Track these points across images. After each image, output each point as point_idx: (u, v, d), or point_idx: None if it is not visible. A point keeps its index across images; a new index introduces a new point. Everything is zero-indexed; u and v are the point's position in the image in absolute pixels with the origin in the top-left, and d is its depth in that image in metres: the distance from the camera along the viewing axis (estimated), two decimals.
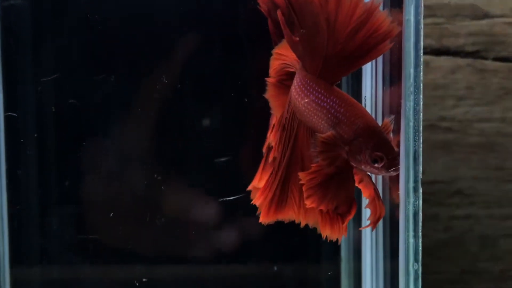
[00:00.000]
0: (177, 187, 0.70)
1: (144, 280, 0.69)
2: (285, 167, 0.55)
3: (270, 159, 0.56)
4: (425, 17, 0.79)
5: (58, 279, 0.71)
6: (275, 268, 0.72)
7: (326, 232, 0.54)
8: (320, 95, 0.52)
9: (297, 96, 0.53)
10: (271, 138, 0.56)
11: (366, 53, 0.50)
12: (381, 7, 0.49)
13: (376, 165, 0.51)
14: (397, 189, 0.52)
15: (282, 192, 0.55)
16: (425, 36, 0.80)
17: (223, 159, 0.68)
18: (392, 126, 0.53)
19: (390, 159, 0.51)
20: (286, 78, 0.56)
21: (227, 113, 0.69)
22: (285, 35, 0.53)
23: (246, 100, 0.67)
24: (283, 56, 0.55)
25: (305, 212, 0.55)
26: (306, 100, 0.53)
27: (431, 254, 0.81)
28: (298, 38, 0.52)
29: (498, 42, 0.81)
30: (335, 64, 0.51)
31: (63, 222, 0.69)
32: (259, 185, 0.57)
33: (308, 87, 0.52)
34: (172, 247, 0.71)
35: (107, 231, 0.69)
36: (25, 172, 0.68)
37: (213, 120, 0.69)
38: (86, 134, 0.68)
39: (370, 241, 0.66)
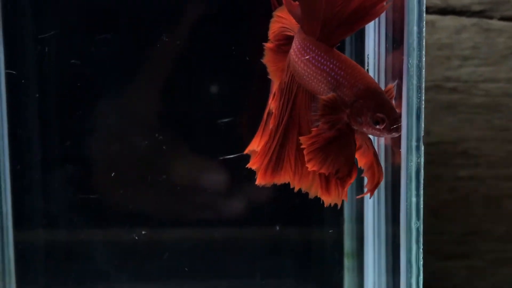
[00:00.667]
0: (180, 148, 0.70)
1: (143, 232, 0.69)
2: (282, 131, 0.54)
3: (271, 125, 0.55)
4: None
5: (62, 241, 0.71)
6: (278, 229, 0.72)
7: (325, 197, 0.54)
8: (320, 58, 0.52)
9: (296, 59, 0.53)
10: (272, 104, 0.56)
11: (363, 15, 0.50)
12: None
13: (378, 126, 0.51)
14: (399, 148, 0.52)
15: (278, 156, 0.55)
16: None
17: (225, 119, 0.68)
18: (395, 92, 0.52)
19: (392, 120, 0.50)
20: (285, 43, 0.56)
21: (229, 76, 0.69)
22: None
23: (248, 60, 0.66)
24: (283, 19, 0.55)
25: (300, 176, 0.55)
26: (306, 62, 0.52)
27: (435, 215, 0.81)
28: (297, 2, 0.52)
29: (504, 1, 0.80)
30: (333, 26, 0.50)
31: (65, 183, 0.69)
32: (257, 148, 0.57)
33: (308, 50, 0.52)
34: (173, 209, 0.71)
35: (109, 192, 0.70)
36: (27, 132, 0.68)
37: (215, 83, 0.69)
38: (88, 94, 0.68)
39: (372, 203, 0.65)
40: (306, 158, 0.52)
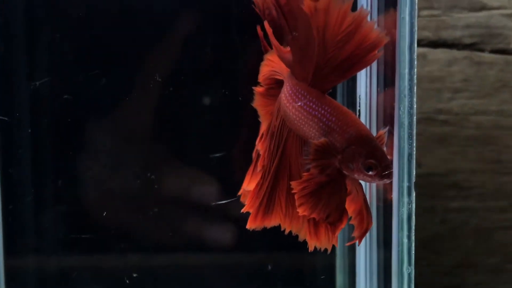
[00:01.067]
0: (171, 184, 0.70)
1: (134, 275, 0.69)
2: (273, 175, 0.55)
3: (259, 167, 0.55)
4: (422, 9, 0.79)
5: (52, 271, 0.71)
6: (270, 260, 0.72)
7: (314, 241, 0.54)
8: (311, 103, 0.52)
9: (287, 104, 0.53)
10: (259, 146, 0.56)
11: (356, 63, 0.50)
12: (368, 18, 0.49)
13: (370, 173, 0.51)
14: (391, 189, 0.52)
15: (269, 199, 0.55)
16: (422, 28, 0.79)
17: (217, 154, 0.68)
18: (386, 138, 0.53)
19: (384, 167, 0.51)
20: (274, 87, 0.56)
21: (221, 111, 0.69)
22: (274, 46, 0.53)
23: (240, 98, 0.66)
24: (273, 62, 0.55)
25: (290, 219, 0.55)
26: (297, 108, 0.52)
27: (427, 247, 0.81)
28: (288, 48, 0.52)
29: (495, 34, 0.80)
30: (326, 73, 0.51)
31: (56, 219, 0.69)
32: (248, 188, 0.57)
33: (299, 95, 0.52)
34: (165, 240, 0.71)
35: (102, 228, 0.70)
36: (18, 170, 0.67)
37: (207, 118, 0.69)
38: (80, 131, 0.68)
39: (364, 249, 0.66)
40: (297, 203, 0.52)
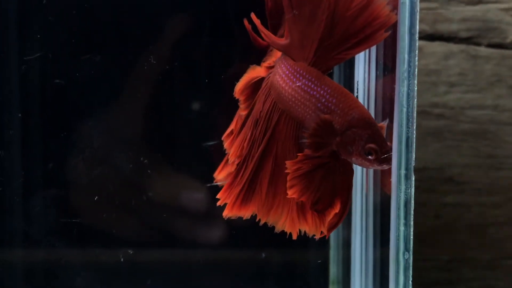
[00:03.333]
0: (164, 171, 0.69)
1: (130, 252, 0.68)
2: (256, 162, 0.53)
3: (232, 159, 0.54)
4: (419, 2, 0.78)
5: (41, 262, 0.70)
6: (263, 255, 0.71)
7: (304, 227, 0.53)
8: (310, 83, 0.51)
9: (284, 85, 0.52)
10: (227, 144, 0.55)
11: (362, 41, 0.49)
12: None
13: (369, 157, 0.50)
14: (389, 177, 0.51)
15: (249, 187, 0.54)
16: (419, 21, 0.78)
17: (211, 143, 0.67)
18: (385, 131, 0.52)
19: (384, 152, 0.50)
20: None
21: (215, 99, 0.68)
22: (263, 34, 0.52)
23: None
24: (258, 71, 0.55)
25: (268, 210, 0.53)
26: (295, 88, 0.51)
27: (421, 241, 0.81)
28: (282, 33, 0.51)
29: (492, 28, 0.80)
30: (329, 50, 0.50)
31: (46, 205, 0.68)
32: (219, 177, 0.56)
33: (297, 75, 0.51)
34: (158, 232, 0.70)
35: (92, 215, 0.69)
36: (8, 153, 0.66)
37: (202, 106, 0.68)
38: (72, 115, 0.67)
39: (360, 229, 0.65)
40: (288, 184, 0.51)
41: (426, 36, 0.80)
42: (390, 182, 0.51)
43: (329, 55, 0.50)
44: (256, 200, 0.54)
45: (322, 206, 0.52)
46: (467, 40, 0.80)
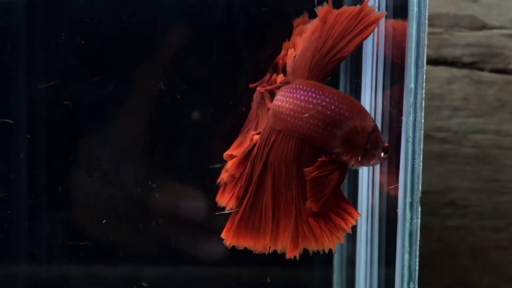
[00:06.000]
0: (170, 191, 0.69)
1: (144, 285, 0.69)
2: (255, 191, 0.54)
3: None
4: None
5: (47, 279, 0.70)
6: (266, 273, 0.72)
7: (320, 246, 0.53)
8: (312, 94, 0.52)
9: (281, 104, 0.52)
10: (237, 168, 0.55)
11: (353, 39, 0.52)
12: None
13: (385, 155, 0.52)
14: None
15: (252, 214, 0.54)
16: None
17: (217, 165, 0.68)
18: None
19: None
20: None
21: (222, 117, 0.69)
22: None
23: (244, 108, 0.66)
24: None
25: (276, 235, 0.53)
26: (295, 101, 0.52)
27: (423, 265, 0.81)
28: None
29: (495, 53, 0.81)
30: (323, 58, 0.51)
31: (54, 225, 0.68)
32: (221, 200, 0.56)
33: (296, 91, 0.52)
34: (163, 248, 0.71)
35: (99, 235, 0.69)
36: (16, 174, 0.67)
37: (208, 125, 0.69)
38: (78, 136, 0.67)
39: (365, 250, 0.65)
40: (309, 193, 0.51)
41: (430, 61, 0.80)
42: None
43: (323, 62, 0.51)
44: (262, 228, 0.54)
45: (326, 209, 0.52)
46: (471, 65, 0.81)
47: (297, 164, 0.52)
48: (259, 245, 0.53)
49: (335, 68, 0.53)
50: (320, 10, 0.53)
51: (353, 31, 0.51)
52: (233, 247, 0.64)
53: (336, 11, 0.52)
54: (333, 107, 0.51)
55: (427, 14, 0.49)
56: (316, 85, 0.51)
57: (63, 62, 0.66)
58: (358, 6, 0.52)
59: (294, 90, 0.51)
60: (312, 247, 0.53)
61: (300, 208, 0.52)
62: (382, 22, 0.56)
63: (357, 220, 0.53)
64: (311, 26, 0.53)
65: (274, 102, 0.53)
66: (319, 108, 0.51)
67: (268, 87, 0.54)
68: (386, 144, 0.52)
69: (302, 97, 0.51)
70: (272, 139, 0.53)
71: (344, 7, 0.53)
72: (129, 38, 0.66)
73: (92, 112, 0.67)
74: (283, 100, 0.52)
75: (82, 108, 0.67)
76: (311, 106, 0.51)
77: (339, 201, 0.52)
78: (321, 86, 0.52)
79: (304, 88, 0.51)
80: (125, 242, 0.69)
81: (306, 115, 0.51)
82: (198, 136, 0.68)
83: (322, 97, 0.51)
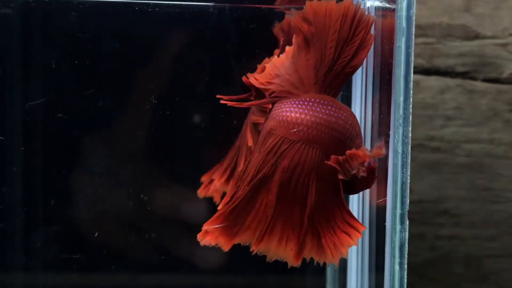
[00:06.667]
0: (164, 200, 0.70)
1: None
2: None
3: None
4: (416, 36, 0.79)
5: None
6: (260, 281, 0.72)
7: (323, 258, 0.53)
8: (332, 108, 0.53)
9: (299, 116, 0.52)
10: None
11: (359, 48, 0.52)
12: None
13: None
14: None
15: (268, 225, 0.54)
16: (416, 55, 0.80)
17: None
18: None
19: None
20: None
21: (220, 122, 0.69)
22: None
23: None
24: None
25: (285, 243, 0.53)
26: (316, 113, 0.52)
27: (416, 274, 0.81)
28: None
29: (488, 63, 0.81)
30: (332, 72, 0.52)
31: (48, 239, 0.68)
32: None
33: (312, 104, 0.52)
34: (161, 256, 0.71)
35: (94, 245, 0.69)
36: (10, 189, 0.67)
37: (205, 130, 0.69)
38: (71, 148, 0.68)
39: (356, 257, 0.65)
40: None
41: (423, 71, 0.81)
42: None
43: (333, 76, 0.52)
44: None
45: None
46: (464, 75, 0.81)
47: (316, 174, 0.53)
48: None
49: (345, 82, 0.54)
50: (304, 11, 0.52)
51: (352, 40, 0.52)
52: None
53: (322, 12, 0.52)
54: (350, 122, 0.52)
55: (413, 30, 0.50)
56: (332, 99, 0.53)
57: (56, 74, 0.66)
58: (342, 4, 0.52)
59: (312, 103, 0.52)
60: (315, 258, 0.53)
61: (313, 217, 0.53)
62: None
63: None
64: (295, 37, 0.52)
65: (283, 113, 0.53)
66: (341, 122, 0.52)
67: (253, 102, 0.54)
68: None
69: (323, 110, 0.52)
70: (283, 148, 0.53)
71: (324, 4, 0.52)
72: (119, 53, 0.67)
73: (86, 126, 0.67)
74: (297, 111, 0.52)
75: (75, 121, 0.67)
76: (333, 119, 0.52)
77: (344, 215, 0.53)
78: (335, 101, 0.53)
79: (322, 102, 0.52)
80: (120, 252, 0.70)
81: (330, 128, 0.52)
82: (189, 149, 0.69)
83: (341, 112, 0.52)
